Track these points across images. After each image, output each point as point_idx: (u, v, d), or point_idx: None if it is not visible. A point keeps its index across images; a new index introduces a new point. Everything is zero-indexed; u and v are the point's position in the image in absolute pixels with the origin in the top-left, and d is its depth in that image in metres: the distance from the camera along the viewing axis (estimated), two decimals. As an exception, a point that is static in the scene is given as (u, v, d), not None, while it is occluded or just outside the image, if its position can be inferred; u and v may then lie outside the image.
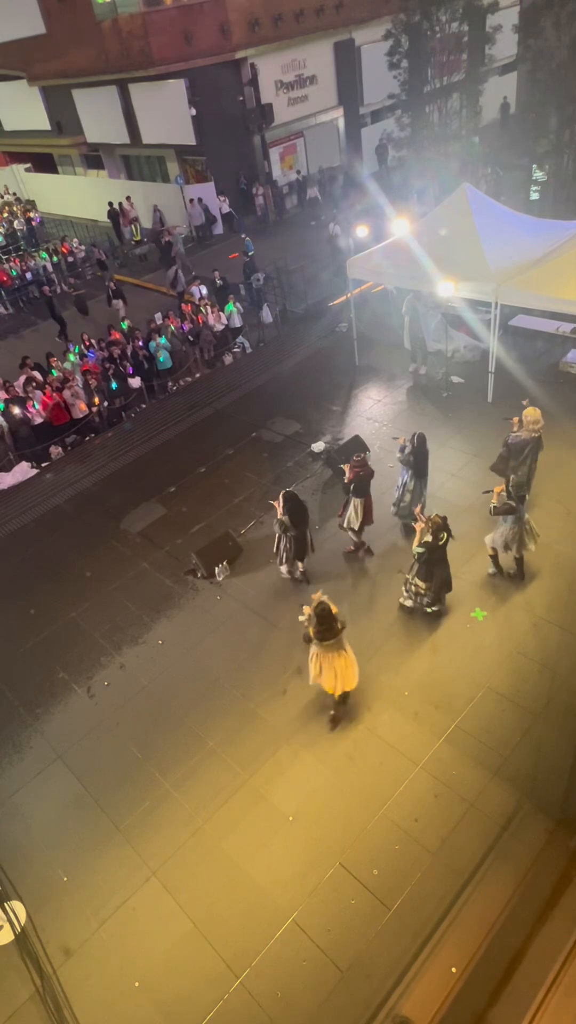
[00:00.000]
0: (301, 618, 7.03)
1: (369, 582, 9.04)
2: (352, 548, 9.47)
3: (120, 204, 23.82)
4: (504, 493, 7.92)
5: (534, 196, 18.51)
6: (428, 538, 7.51)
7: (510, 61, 25.06)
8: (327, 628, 6.73)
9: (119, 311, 17.31)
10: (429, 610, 8.24)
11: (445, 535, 7.58)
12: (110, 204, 23.82)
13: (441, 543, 7.56)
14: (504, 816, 6.37)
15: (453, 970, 5.38)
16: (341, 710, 7.37)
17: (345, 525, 9.19)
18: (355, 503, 8.95)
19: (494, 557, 8.58)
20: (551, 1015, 4.68)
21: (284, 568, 9.13)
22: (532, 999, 4.78)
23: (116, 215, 23.83)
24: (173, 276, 18.01)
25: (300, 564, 9.04)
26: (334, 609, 6.82)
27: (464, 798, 6.55)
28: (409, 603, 8.30)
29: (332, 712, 7.38)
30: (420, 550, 7.60)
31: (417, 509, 8.22)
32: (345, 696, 7.28)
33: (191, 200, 22.15)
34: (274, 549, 9.01)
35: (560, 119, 18.49)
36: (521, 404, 9.17)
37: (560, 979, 4.86)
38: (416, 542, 7.66)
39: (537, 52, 18.57)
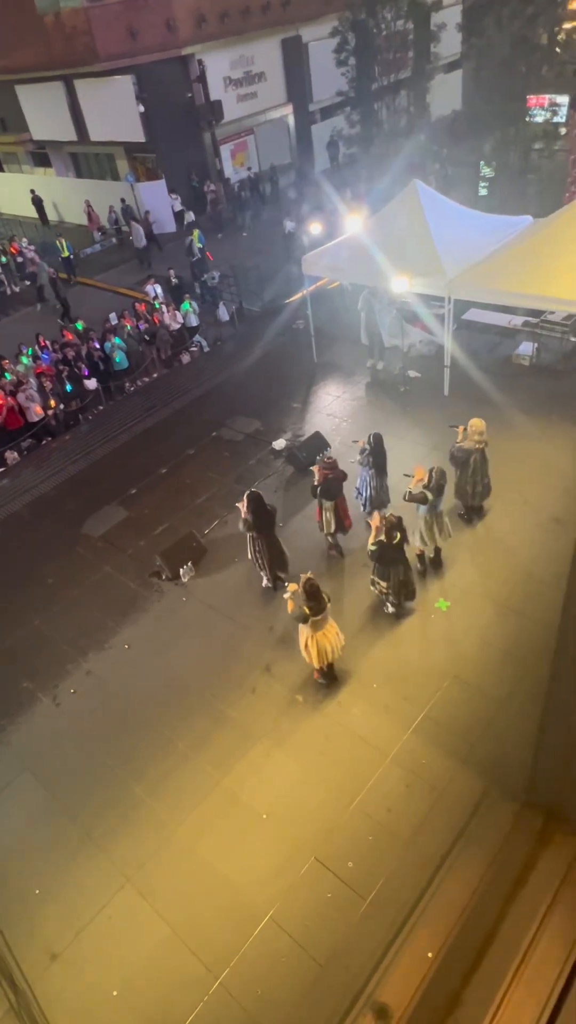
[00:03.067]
0: (286, 595, 7.16)
1: (337, 580, 9.07)
2: (330, 549, 9.37)
3: (88, 209, 23.59)
4: (423, 481, 7.99)
5: (483, 192, 18.81)
6: (382, 537, 7.56)
7: (455, 59, 25.44)
8: (317, 603, 6.95)
9: None
10: (388, 610, 8.34)
11: (398, 535, 7.57)
12: (32, 192, 23.44)
13: (394, 542, 7.58)
14: (472, 802, 6.50)
15: (429, 955, 5.48)
16: (328, 677, 7.66)
17: (323, 530, 9.09)
18: (325, 507, 8.84)
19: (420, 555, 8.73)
20: (523, 989, 4.81)
21: (264, 576, 8.89)
22: (504, 975, 4.90)
23: (40, 202, 24.10)
24: (188, 245, 18.93)
25: (281, 575, 8.73)
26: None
27: (434, 786, 6.67)
28: (390, 609, 8.34)
29: (318, 677, 7.69)
30: (373, 548, 7.67)
31: (374, 518, 7.80)
32: (331, 667, 7.58)
33: (133, 219, 21.72)
34: (248, 555, 8.82)
35: (504, 116, 18.87)
36: (450, 426, 9.15)
37: (529, 955, 5.00)
38: (371, 540, 7.72)
39: (480, 50, 18.92)
